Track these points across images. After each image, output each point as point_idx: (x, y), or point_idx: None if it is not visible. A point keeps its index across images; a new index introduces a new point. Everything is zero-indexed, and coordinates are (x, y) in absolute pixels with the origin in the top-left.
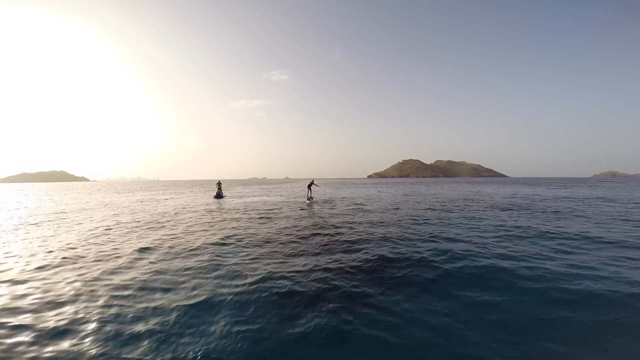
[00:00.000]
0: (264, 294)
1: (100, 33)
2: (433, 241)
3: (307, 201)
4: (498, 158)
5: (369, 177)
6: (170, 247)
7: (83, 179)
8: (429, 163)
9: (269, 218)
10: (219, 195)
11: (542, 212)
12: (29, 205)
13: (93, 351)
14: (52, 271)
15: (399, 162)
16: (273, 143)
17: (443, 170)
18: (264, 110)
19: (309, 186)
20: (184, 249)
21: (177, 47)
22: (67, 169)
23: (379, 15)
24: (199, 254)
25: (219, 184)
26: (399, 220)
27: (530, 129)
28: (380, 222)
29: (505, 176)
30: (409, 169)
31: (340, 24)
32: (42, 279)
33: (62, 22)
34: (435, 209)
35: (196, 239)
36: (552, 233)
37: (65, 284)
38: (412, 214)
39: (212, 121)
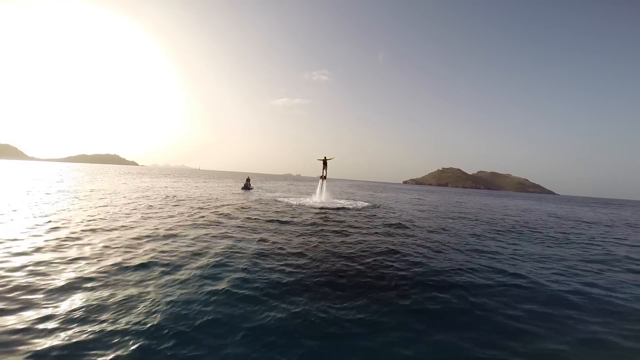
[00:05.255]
0: None
1: (160, 36)
2: None
3: (320, 180)
4: (547, 173)
5: (405, 182)
6: None
7: (133, 163)
8: (470, 173)
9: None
10: (246, 187)
11: None
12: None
13: None
14: None
15: (437, 170)
16: (308, 141)
17: (485, 182)
18: (304, 108)
19: (324, 162)
20: None
21: (228, 45)
22: (119, 153)
23: (424, 22)
24: None
25: (248, 179)
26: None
27: (586, 143)
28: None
29: (553, 193)
30: (448, 178)
31: (386, 29)
32: None
33: (119, 21)
34: None
35: None
36: None
37: None
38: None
39: (254, 117)
